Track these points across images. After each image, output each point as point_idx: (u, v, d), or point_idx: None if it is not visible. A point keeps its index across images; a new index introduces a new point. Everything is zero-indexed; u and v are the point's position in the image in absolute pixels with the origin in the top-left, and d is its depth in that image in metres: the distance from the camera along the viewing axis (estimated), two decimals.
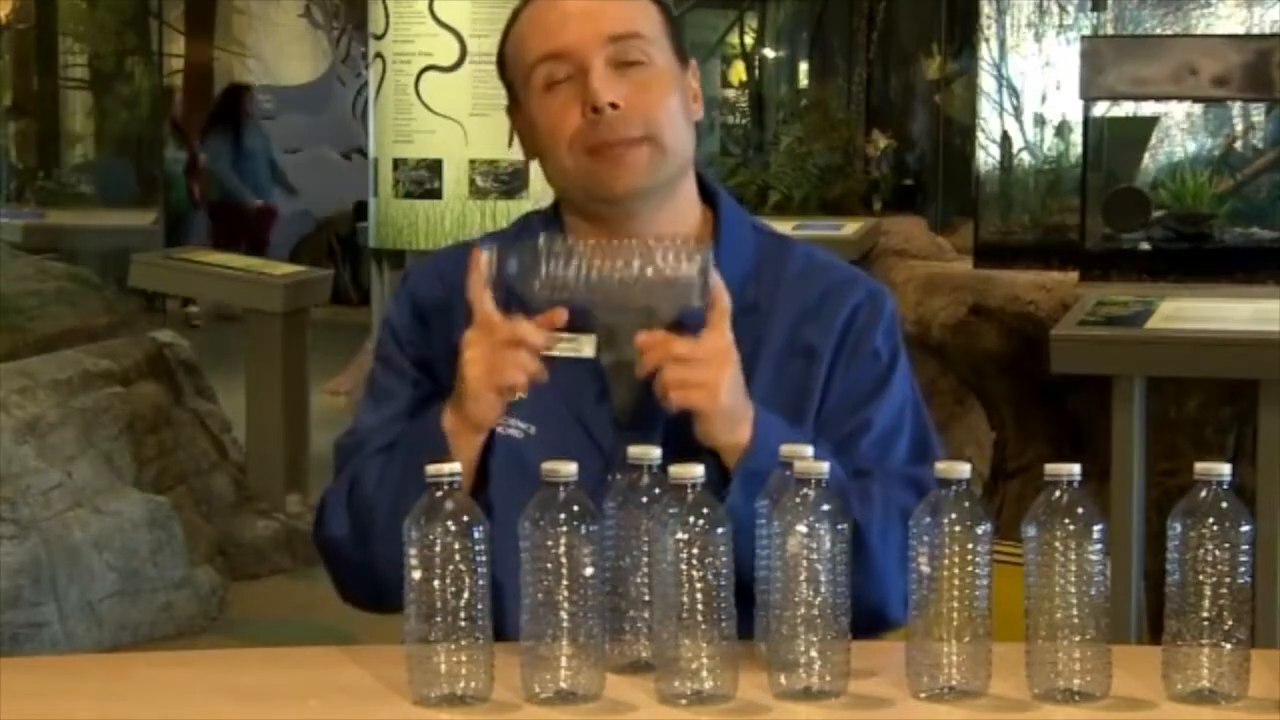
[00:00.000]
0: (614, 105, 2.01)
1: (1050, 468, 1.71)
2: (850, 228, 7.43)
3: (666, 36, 2.09)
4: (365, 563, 2.03)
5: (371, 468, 2.06)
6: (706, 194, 2.16)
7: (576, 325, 1.98)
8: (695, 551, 1.68)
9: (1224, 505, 1.69)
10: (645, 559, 1.76)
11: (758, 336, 2.06)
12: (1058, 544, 1.69)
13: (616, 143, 2.02)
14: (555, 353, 1.97)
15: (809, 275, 2.12)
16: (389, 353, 2.16)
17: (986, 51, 5.93)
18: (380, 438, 2.10)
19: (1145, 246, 5.19)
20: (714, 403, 1.91)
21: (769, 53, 10.97)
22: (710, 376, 1.91)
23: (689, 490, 1.69)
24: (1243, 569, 1.69)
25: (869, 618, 1.84)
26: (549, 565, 1.70)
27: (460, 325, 1.98)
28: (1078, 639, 1.69)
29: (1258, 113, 5.51)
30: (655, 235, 2.05)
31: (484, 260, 1.93)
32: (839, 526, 1.70)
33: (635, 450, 1.78)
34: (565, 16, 2.05)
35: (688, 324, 1.95)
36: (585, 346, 2.02)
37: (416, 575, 1.70)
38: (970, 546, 1.69)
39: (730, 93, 11.47)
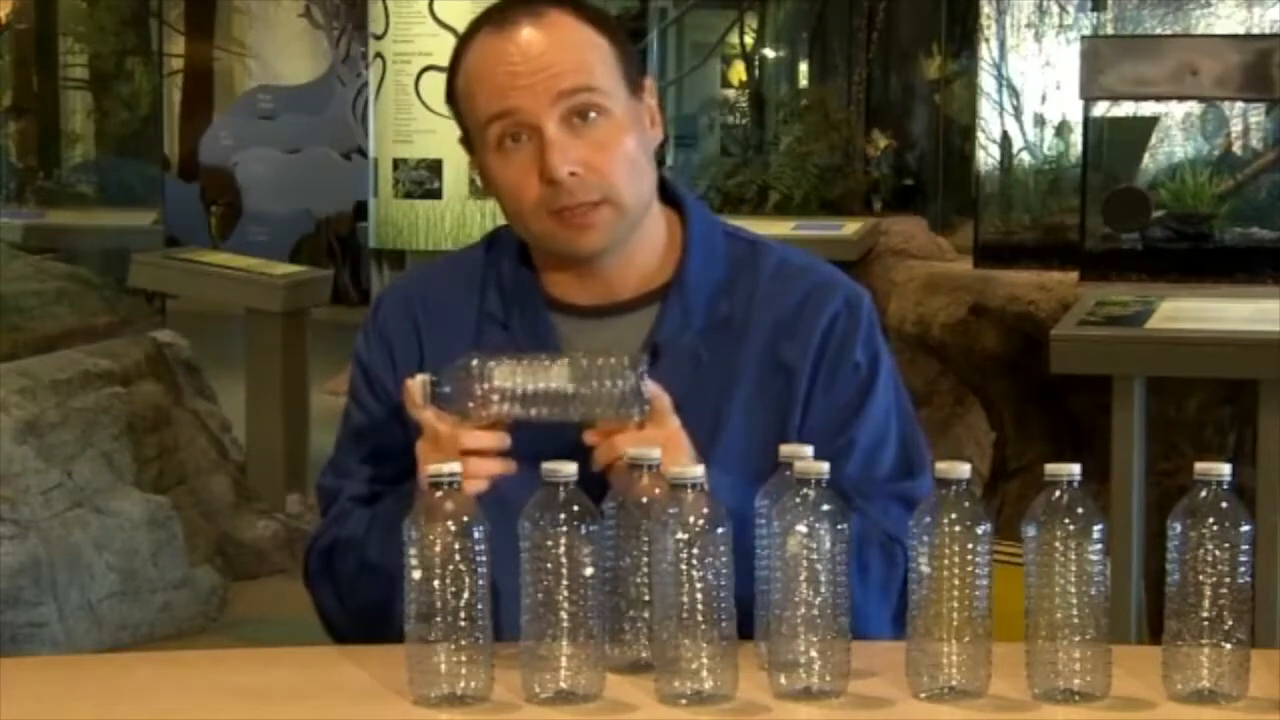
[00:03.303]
0: (572, 174, 1.98)
1: (1050, 468, 1.71)
2: (850, 228, 7.44)
3: (618, 69, 2.02)
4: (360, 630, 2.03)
5: (351, 534, 2.05)
6: (674, 201, 2.12)
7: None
8: (695, 551, 1.68)
9: (1224, 505, 1.69)
10: (645, 559, 1.76)
11: (734, 353, 2.04)
12: (1058, 544, 1.69)
13: (577, 207, 1.99)
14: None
15: (783, 282, 2.08)
16: (361, 393, 2.14)
17: (986, 51, 5.91)
18: (355, 484, 2.10)
19: (1145, 246, 5.19)
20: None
21: (769, 53, 10.96)
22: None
23: (689, 490, 1.69)
24: (1243, 569, 1.69)
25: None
26: (549, 565, 1.70)
27: (432, 362, 1.96)
28: (1078, 639, 1.69)
29: (1257, 113, 5.50)
30: (627, 261, 2.05)
31: (417, 384, 1.91)
32: (839, 526, 1.70)
33: (635, 450, 1.79)
34: (513, 75, 1.98)
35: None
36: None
37: (416, 575, 1.70)
38: (970, 546, 1.70)
39: (730, 93, 11.46)
